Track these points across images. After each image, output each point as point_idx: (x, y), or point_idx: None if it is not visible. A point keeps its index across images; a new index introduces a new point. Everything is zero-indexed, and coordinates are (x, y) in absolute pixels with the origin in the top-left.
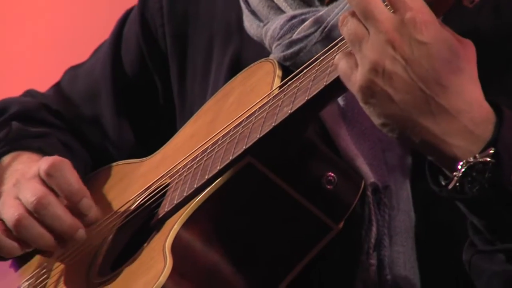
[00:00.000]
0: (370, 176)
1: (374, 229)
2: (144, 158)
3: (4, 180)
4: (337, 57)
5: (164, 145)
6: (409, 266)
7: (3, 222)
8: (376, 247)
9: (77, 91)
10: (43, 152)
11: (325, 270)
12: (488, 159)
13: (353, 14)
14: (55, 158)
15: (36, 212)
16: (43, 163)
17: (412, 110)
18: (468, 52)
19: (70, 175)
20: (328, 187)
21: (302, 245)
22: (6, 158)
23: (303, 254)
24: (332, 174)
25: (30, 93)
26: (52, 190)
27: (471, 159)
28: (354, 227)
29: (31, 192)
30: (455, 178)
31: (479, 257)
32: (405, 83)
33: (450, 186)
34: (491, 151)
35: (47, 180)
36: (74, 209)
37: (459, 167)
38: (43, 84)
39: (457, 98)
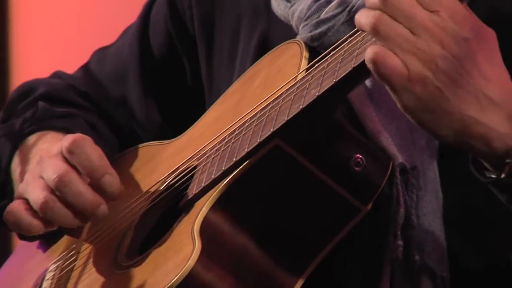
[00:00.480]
0: (398, 156)
1: (402, 209)
2: (171, 140)
3: (29, 159)
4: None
5: (191, 127)
6: (437, 247)
7: (26, 200)
8: (403, 228)
9: (105, 72)
10: (69, 131)
11: (352, 251)
12: None
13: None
14: (76, 135)
15: (58, 189)
16: (65, 140)
17: (463, 105)
18: (494, 40)
19: (91, 152)
20: (356, 169)
21: (330, 227)
22: (32, 138)
23: (331, 236)
24: (360, 156)
25: (57, 75)
26: (74, 167)
27: None
28: (381, 208)
29: (52, 169)
30: (506, 169)
31: None
32: (456, 80)
33: (503, 175)
34: None
35: (69, 158)
36: (97, 186)
37: (508, 160)
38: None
39: (500, 88)
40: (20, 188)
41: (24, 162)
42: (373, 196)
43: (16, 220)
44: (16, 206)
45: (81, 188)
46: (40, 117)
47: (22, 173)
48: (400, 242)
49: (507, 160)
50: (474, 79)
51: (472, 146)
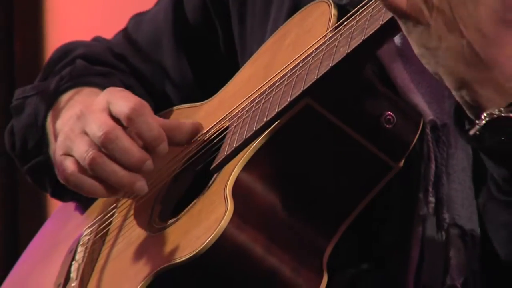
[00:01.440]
0: (428, 113)
1: (433, 166)
2: (203, 102)
3: (65, 114)
4: None
5: (223, 88)
6: (467, 204)
7: (76, 160)
8: (434, 185)
9: (141, 37)
10: (105, 88)
11: (383, 208)
12: None
13: None
14: (135, 101)
15: (104, 146)
16: (119, 101)
17: (448, 50)
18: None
19: (151, 121)
20: (387, 126)
21: (362, 185)
22: (68, 94)
23: (363, 194)
24: (391, 113)
25: (96, 39)
26: (118, 121)
27: (496, 112)
28: (412, 165)
29: (97, 125)
30: (476, 127)
31: (493, 203)
32: (447, 22)
33: (470, 133)
34: None
35: (126, 123)
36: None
37: (482, 117)
38: None
39: (495, 49)
40: (62, 143)
41: (60, 117)
42: (404, 153)
43: (76, 182)
44: (68, 164)
45: (127, 145)
46: (78, 74)
47: (58, 128)
48: (432, 199)
49: (477, 121)
50: (467, 28)
51: (455, 95)
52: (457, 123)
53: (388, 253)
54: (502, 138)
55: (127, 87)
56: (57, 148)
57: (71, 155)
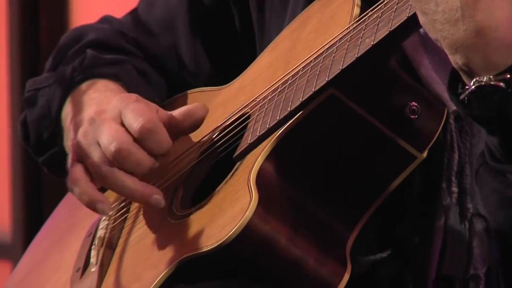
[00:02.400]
0: (452, 103)
1: (456, 156)
2: (221, 87)
3: (80, 109)
4: None
5: (242, 73)
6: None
7: (85, 168)
8: (457, 175)
9: (154, 18)
10: (118, 79)
11: (406, 197)
12: (501, 84)
13: None
14: (146, 118)
15: (115, 160)
16: (132, 117)
17: (443, 13)
18: None
19: (162, 139)
20: (412, 116)
21: (386, 175)
22: (82, 87)
23: (386, 184)
24: (415, 104)
25: (107, 19)
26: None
27: (484, 79)
28: (436, 155)
29: (108, 139)
30: (465, 93)
31: (485, 169)
32: None
33: (460, 97)
34: (507, 77)
35: (140, 141)
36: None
37: (471, 83)
38: None
39: (486, 12)
40: (77, 145)
41: (75, 111)
42: (428, 143)
43: (81, 191)
44: (78, 174)
45: (138, 158)
46: (89, 64)
47: (74, 123)
48: (455, 189)
49: (466, 87)
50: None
51: (452, 61)
52: (451, 87)
53: (410, 242)
54: (489, 106)
55: (141, 72)
56: (69, 151)
57: (82, 163)
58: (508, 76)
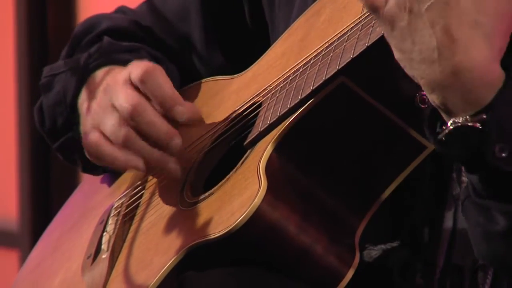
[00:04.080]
0: None
1: None
2: (235, 75)
3: (97, 93)
4: None
5: (256, 62)
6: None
7: (102, 133)
8: None
9: (168, 9)
10: None
11: (416, 187)
12: (477, 125)
13: None
14: (147, 65)
15: (132, 119)
16: (135, 69)
17: (420, 53)
18: (498, 6)
19: (163, 81)
20: (422, 106)
21: (395, 164)
22: (99, 73)
23: (396, 173)
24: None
25: (121, 10)
26: (145, 96)
27: (460, 120)
28: None
29: (124, 98)
30: (443, 133)
31: (469, 202)
32: (419, 25)
33: (438, 137)
34: (483, 117)
35: (140, 87)
36: (168, 116)
37: (448, 124)
38: None
39: (463, 53)
40: (91, 118)
41: (92, 97)
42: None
43: (98, 152)
44: (97, 138)
45: (154, 118)
46: (105, 51)
47: (89, 108)
48: (465, 179)
49: (443, 127)
50: (435, 32)
51: (429, 98)
52: (429, 124)
53: (419, 231)
54: (466, 147)
55: (155, 60)
56: (86, 123)
57: (98, 129)
58: (485, 116)
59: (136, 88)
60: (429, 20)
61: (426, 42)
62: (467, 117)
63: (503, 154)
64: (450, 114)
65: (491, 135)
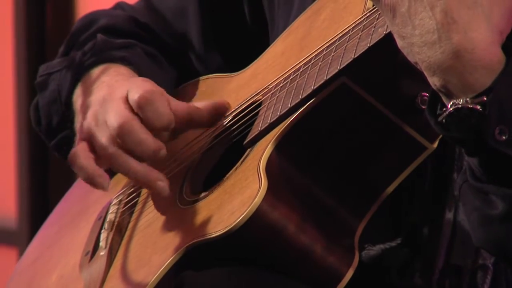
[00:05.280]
0: None
1: None
2: (234, 73)
3: (91, 92)
4: None
5: (254, 61)
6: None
7: (90, 145)
8: None
9: (166, 7)
10: (129, 62)
11: (416, 188)
12: (478, 107)
13: None
14: (146, 91)
15: (119, 138)
16: (134, 91)
17: (420, 37)
18: None
19: (162, 109)
20: (423, 107)
21: (396, 165)
22: (94, 71)
23: (396, 174)
24: (427, 94)
25: (120, 6)
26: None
27: (460, 102)
28: (447, 145)
29: (114, 116)
30: (443, 115)
31: (467, 186)
32: (418, 9)
33: (438, 119)
34: (483, 99)
35: (138, 111)
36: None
37: (449, 106)
38: None
39: (463, 34)
40: (85, 126)
41: (86, 94)
42: (439, 134)
43: (80, 166)
44: (81, 151)
45: (141, 137)
46: (99, 49)
47: (84, 106)
48: None
49: (444, 109)
50: (435, 14)
51: (430, 82)
52: (430, 107)
53: (419, 231)
54: (466, 128)
55: (150, 55)
56: (77, 131)
57: (89, 142)
58: (485, 98)
59: (129, 105)
60: (429, 2)
61: (426, 24)
62: (467, 99)
63: (503, 137)
64: (451, 97)
65: (491, 117)
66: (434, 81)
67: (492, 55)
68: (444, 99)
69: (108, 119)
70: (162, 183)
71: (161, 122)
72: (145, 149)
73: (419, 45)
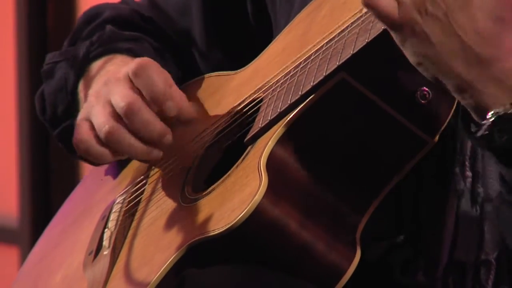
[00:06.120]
0: None
1: (469, 140)
2: (237, 71)
3: (96, 80)
4: None
5: (256, 58)
6: (501, 180)
7: (93, 126)
8: (470, 160)
9: (170, 3)
10: (135, 54)
11: (417, 182)
12: None
13: None
14: (143, 59)
15: (126, 117)
16: (132, 63)
17: (447, 55)
18: None
19: (156, 76)
20: (422, 101)
21: (397, 160)
22: (100, 61)
23: (398, 169)
24: (426, 89)
25: (124, 1)
26: (141, 93)
27: (501, 109)
28: (448, 140)
29: (120, 96)
30: (484, 127)
31: (506, 207)
32: (444, 28)
33: (478, 134)
34: None
35: (134, 80)
36: (161, 112)
37: (489, 116)
38: None
39: (493, 47)
40: (85, 108)
41: (91, 84)
42: (439, 128)
43: (86, 148)
44: (86, 134)
45: (149, 117)
46: (107, 39)
47: (88, 95)
48: (469, 173)
49: (484, 121)
50: (466, 33)
51: (459, 99)
52: (465, 127)
53: (422, 227)
54: (510, 135)
55: (156, 49)
56: (80, 112)
57: (89, 121)
58: None
59: (133, 85)
60: (455, 22)
61: (455, 43)
62: (507, 106)
63: None
64: (486, 109)
65: None
66: (465, 97)
67: None
68: (476, 113)
69: (113, 98)
70: (158, 152)
71: (156, 88)
72: (151, 129)
73: (448, 63)
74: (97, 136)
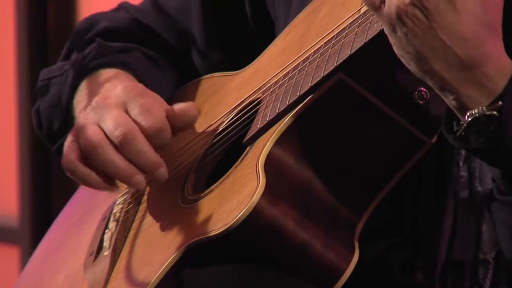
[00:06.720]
0: None
1: None
2: (237, 72)
3: (91, 97)
4: None
5: (256, 59)
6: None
7: (79, 147)
8: (466, 160)
9: (171, 4)
10: (128, 67)
11: (416, 182)
12: (494, 113)
13: None
14: (155, 119)
15: (121, 146)
16: (133, 102)
17: (429, 55)
18: (496, 1)
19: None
20: (420, 102)
21: (395, 160)
22: (93, 76)
23: (396, 169)
24: (424, 89)
25: (123, 7)
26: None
27: (477, 111)
28: (446, 140)
29: (114, 124)
30: (461, 128)
31: (496, 204)
32: (426, 30)
33: (457, 134)
34: (499, 104)
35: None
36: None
37: (466, 117)
38: None
39: (476, 50)
40: (73, 130)
41: (84, 101)
42: (437, 129)
43: (74, 172)
44: (71, 156)
45: (144, 147)
46: (98, 54)
47: (82, 111)
48: (463, 174)
49: (461, 122)
50: (449, 36)
51: (442, 97)
52: (447, 125)
53: (420, 227)
54: (486, 137)
55: (150, 58)
56: (69, 134)
57: (78, 142)
58: (500, 103)
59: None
60: (438, 26)
61: (436, 46)
62: (483, 107)
63: None
64: (465, 109)
65: (509, 120)
66: (446, 95)
67: (504, 63)
68: (458, 113)
69: (105, 125)
70: (139, 177)
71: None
72: (145, 160)
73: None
74: (83, 158)
